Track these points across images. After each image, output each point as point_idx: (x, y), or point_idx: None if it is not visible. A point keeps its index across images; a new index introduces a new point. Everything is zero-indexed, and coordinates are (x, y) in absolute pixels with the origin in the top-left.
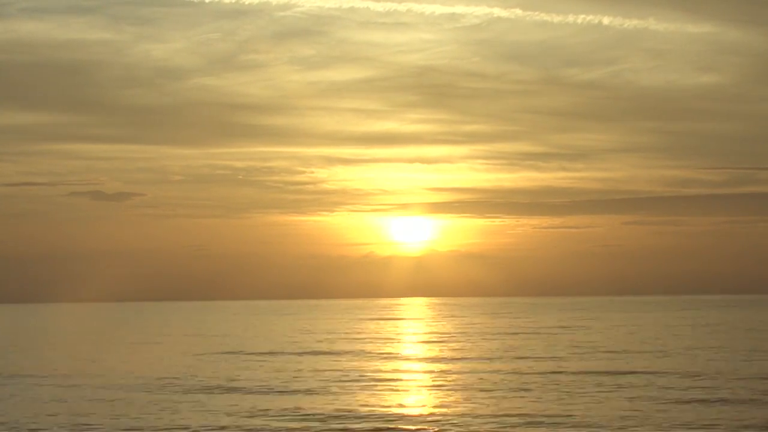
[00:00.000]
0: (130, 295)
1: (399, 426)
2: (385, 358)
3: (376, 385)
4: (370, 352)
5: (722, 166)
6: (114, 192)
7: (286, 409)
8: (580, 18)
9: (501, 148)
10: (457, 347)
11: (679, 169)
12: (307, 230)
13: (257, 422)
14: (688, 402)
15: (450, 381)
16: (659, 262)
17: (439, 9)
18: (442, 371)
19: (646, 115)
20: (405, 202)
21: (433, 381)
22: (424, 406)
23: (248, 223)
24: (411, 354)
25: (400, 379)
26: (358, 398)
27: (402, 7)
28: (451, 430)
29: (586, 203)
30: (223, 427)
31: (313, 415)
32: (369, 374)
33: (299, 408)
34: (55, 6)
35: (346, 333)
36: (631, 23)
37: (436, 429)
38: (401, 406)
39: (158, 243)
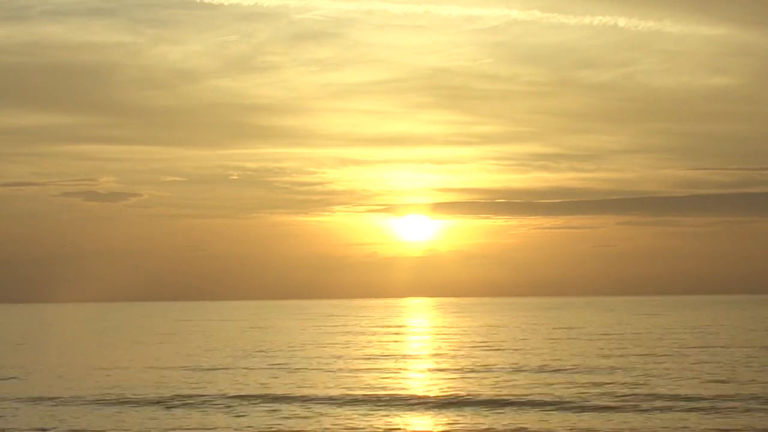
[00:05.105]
0: (132, 295)
1: None
2: None
3: None
4: None
5: (733, 167)
6: (112, 192)
7: None
8: (597, 20)
9: (512, 149)
10: None
11: (690, 170)
12: (311, 230)
13: None
14: None
15: None
16: (667, 262)
17: (456, 11)
18: None
19: (658, 117)
20: (411, 202)
21: None
22: None
23: (254, 224)
24: None
25: None
26: None
27: (420, 9)
28: None
29: (592, 203)
30: None
31: None
32: None
33: None
34: (76, 9)
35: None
36: (646, 25)
37: None
38: None
39: (162, 243)
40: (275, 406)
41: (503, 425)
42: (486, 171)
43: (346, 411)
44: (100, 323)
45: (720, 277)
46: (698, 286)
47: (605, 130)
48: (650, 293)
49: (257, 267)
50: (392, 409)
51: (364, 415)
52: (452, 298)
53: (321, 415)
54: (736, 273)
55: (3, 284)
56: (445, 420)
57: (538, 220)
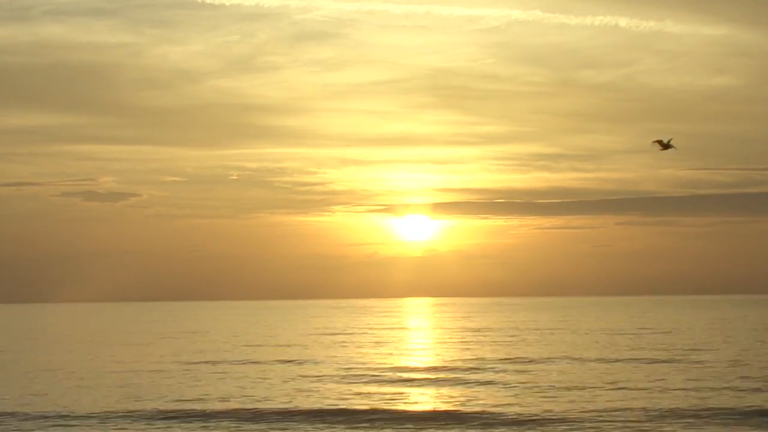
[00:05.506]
0: (132, 295)
1: None
2: None
3: None
4: None
5: (733, 167)
6: (111, 192)
7: None
8: (598, 20)
9: (513, 149)
10: None
11: (690, 170)
12: (311, 230)
13: None
14: None
15: None
16: (667, 262)
17: (458, 11)
18: None
19: (658, 117)
20: (411, 202)
21: None
22: None
23: (254, 224)
24: None
25: None
26: None
27: (421, 10)
28: None
29: (592, 203)
30: None
31: None
32: None
33: None
34: (77, 9)
35: None
36: (647, 25)
37: None
38: None
39: (162, 243)
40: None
41: None
42: (487, 171)
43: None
44: (60, 326)
45: (720, 277)
46: (698, 286)
47: (606, 130)
48: (650, 293)
49: (257, 267)
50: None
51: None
52: (452, 298)
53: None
54: (736, 273)
55: (2, 284)
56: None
57: (538, 220)
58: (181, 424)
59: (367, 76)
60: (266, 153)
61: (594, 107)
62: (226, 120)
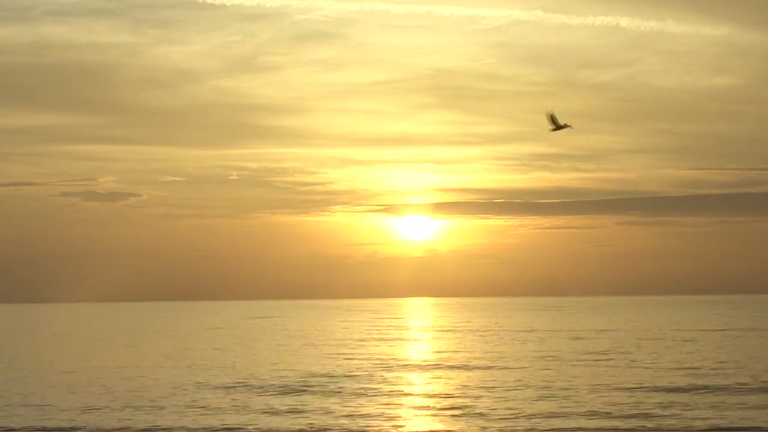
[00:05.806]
0: (132, 295)
1: None
2: None
3: None
4: None
5: (733, 167)
6: (111, 192)
7: None
8: (599, 20)
9: (514, 149)
10: None
11: (690, 170)
12: (312, 230)
13: None
14: None
15: None
16: (667, 262)
17: (459, 11)
18: None
19: (659, 117)
20: (412, 202)
21: None
22: None
23: (254, 224)
24: None
25: None
26: None
27: (422, 10)
28: None
29: (592, 203)
30: None
31: None
32: None
33: None
34: (78, 9)
35: None
36: (648, 25)
37: None
38: None
39: (162, 244)
40: None
41: None
42: (487, 171)
43: None
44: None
45: (720, 277)
46: (698, 286)
47: (606, 130)
48: (650, 293)
49: (257, 267)
50: None
51: None
52: (452, 298)
53: None
54: (736, 273)
55: (2, 284)
56: None
57: (538, 220)
58: None
59: (368, 76)
60: (266, 153)
61: (595, 107)
62: (226, 120)
